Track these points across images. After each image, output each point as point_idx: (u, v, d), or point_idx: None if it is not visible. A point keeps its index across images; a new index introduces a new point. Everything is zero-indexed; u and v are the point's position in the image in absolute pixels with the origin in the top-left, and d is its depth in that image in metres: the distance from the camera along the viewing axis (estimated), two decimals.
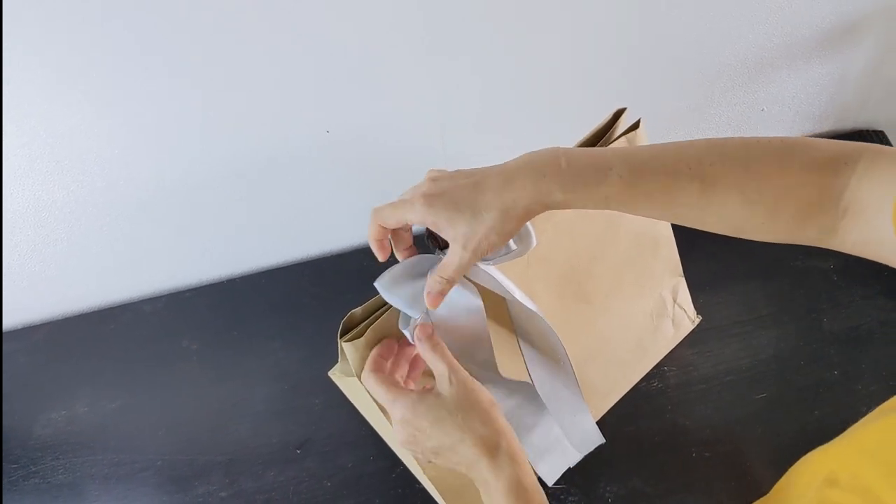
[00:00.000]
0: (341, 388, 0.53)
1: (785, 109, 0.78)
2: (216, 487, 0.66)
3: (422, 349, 0.43)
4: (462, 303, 0.46)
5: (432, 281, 0.42)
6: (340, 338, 0.44)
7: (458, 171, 0.41)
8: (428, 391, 0.42)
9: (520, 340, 0.55)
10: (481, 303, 0.46)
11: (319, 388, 0.69)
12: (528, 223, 0.45)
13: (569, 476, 0.60)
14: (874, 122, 0.82)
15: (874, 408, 0.63)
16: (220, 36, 0.55)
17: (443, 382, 0.42)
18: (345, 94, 0.62)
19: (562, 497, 0.61)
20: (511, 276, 0.50)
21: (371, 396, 0.45)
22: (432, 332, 0.44)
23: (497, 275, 0.48)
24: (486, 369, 0.49)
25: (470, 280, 0.46)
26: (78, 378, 0.75)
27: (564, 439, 0.58)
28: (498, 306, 0.52)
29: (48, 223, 0.69)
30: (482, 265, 0.47)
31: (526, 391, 0.54)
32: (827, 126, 0.83)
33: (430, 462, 0.44)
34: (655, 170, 0.37)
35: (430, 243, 0.46)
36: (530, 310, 0.52)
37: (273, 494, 0.65)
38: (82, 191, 0.66)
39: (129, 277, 0.79)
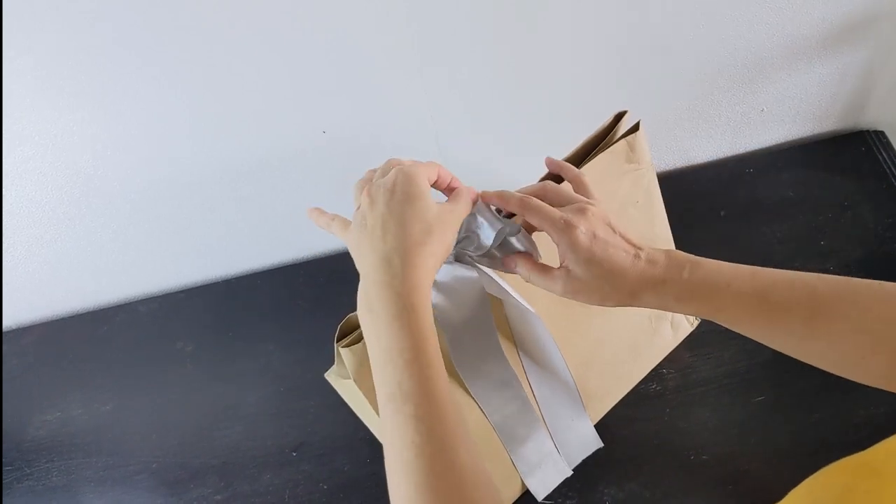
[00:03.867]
0: (338, 390, 0.53)
1: (785, 109, 0.78)
2: (211, 490, 0.65)
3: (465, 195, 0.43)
4: (464, 286, 0.46)
5: (521, 264, 0.43)
6: (337, 342, 0.44)
7: (608, 229, 0.41)
8: None
9: (518, 345, 0.54)
10: (477, 276, 0.46)
11: (315, 391, 0.68)
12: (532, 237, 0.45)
13: (566, 479, 0.60)
14: (875, 123, 0.82)
15: (872, 411, 0.63)
16: (215, 38, 0.55)
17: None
18: (339, 96, 0.62)
19: (559, 501, 0.61)
20: (509, 279, 0.49)
21: None
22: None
23: (496, 277, 0.48)
24: (487, 344, 0.49)
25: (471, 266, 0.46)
26: (72, 380, 0.74)
27: (557, 453, 0.57)
28: (496, 312, 0.51)
29: (42, 224, 0.68)
30: (487, 270, 0.46)
31: (520, 402, 0.54)
32: (828, 126, 0.82)
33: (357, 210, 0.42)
34: (769, 290, 0.39)
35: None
36: (528, 314, 0.51)
37: (268, 498, 0.64)
38: (76, 192, 0.65)
39: (124, 278, 0.78)
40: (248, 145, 0.65)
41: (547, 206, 0.41)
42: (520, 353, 0.55)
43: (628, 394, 0.65)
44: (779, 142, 0.83)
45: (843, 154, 0.80)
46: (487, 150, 0.73)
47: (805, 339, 0.39)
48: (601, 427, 0.62)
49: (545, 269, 0.43)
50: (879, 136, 0.81)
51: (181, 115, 0.60)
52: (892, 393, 0.64)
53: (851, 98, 0.78)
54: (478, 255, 0.45)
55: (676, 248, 0.63)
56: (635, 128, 0.52)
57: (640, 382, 0.66)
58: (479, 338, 0.50)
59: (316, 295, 0.77)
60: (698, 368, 0.67)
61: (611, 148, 0.51)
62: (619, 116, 0.51)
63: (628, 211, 0.56)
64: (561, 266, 0.42)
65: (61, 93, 0.55)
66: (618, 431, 0.63)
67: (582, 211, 0.41)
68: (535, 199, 0.42)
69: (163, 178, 0.66)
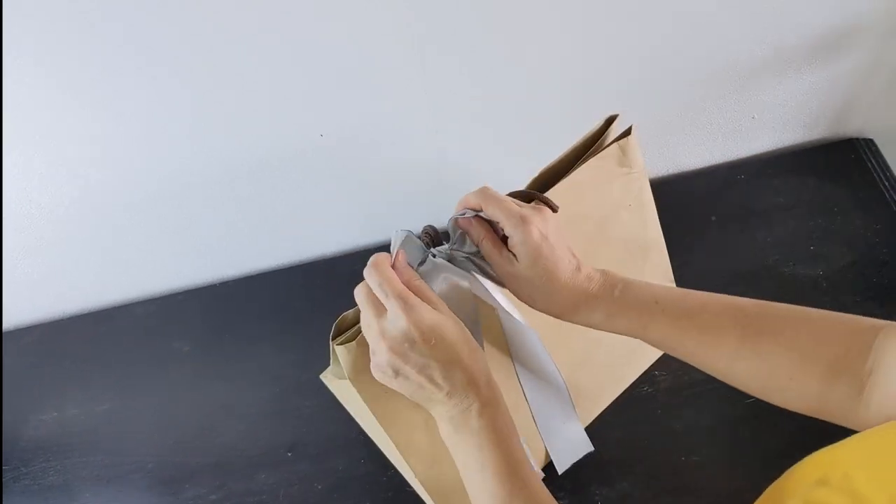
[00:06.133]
0: (333, 390, 0.53)
1: (776, 117, 0.79)
2: (206, 490, 0.66)
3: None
4: (455, 292, 0.46)
5: (482, 235, 0.45)
6: (332, 340, 0.45)
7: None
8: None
9: (510, 349, 0.55)
10: (468, 283, 0.47)
11: (310, 391, 0.69)
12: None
13: (559, 480, 0.60)
14: (863, 131, 0.83)
15: None
16: (215, 39, 0.55)
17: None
18: (339, 96, 0.63)
19: None
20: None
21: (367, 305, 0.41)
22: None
23: (489, 286, 0.49)
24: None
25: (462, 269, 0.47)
26: (69, 380, 0.75)
27: (536, 466, 0.58)
28: (489, 318, 0.52)
29: (41, 225, 0.69)
30: (479, 277, 0.47)
31: (513, 405, 0.54)
32: (816, 134, 0.83)
33: (395, 377, 0.40)
34: (700, 309, 0.41)
35: (423, 238, 0.47)
36: (520, 321, 0.52)
37: (263, 497, 0.65)
38: (75, 193, 0.66)
39: (122, 279, 0.79)
40: (248, 145, 0.65)
41: (507, 199, 0.44)
42: (513, 358, 0.55)
43: (620, 396, 0.66)
44: (769, 149, 0.84)
45: (832, 161, 0.82)
46: (487, 150, 0.74)
47: (735, 358, 0.40)
48: (593, 428, 0.62)
49: (499, 244, 0.44)
50: (868, 143, 0.82)
51: (181, 116, 0.61)
52: None
53: (840, 106, 0.79)
54: (473, 257, 0.46)
55: (669, 253, 0.64)
56: (627, 132, 0.53)
57: (632, 384, 0.67)
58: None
59: (313, 296, 0.78)
60: (690, 370, 0.66)
61: (602, 152, 0.52)
62: (609, 121, 0.52)
63: (620, 214, 0.57)
64: (511, 250, 0.43)
65: (63, 93, 0.56)
66: (610, 433, 0.63)
67: (539, 211, 0.43)
68: (494, 191, 0.44)
69: (163, 178, 0.66)
